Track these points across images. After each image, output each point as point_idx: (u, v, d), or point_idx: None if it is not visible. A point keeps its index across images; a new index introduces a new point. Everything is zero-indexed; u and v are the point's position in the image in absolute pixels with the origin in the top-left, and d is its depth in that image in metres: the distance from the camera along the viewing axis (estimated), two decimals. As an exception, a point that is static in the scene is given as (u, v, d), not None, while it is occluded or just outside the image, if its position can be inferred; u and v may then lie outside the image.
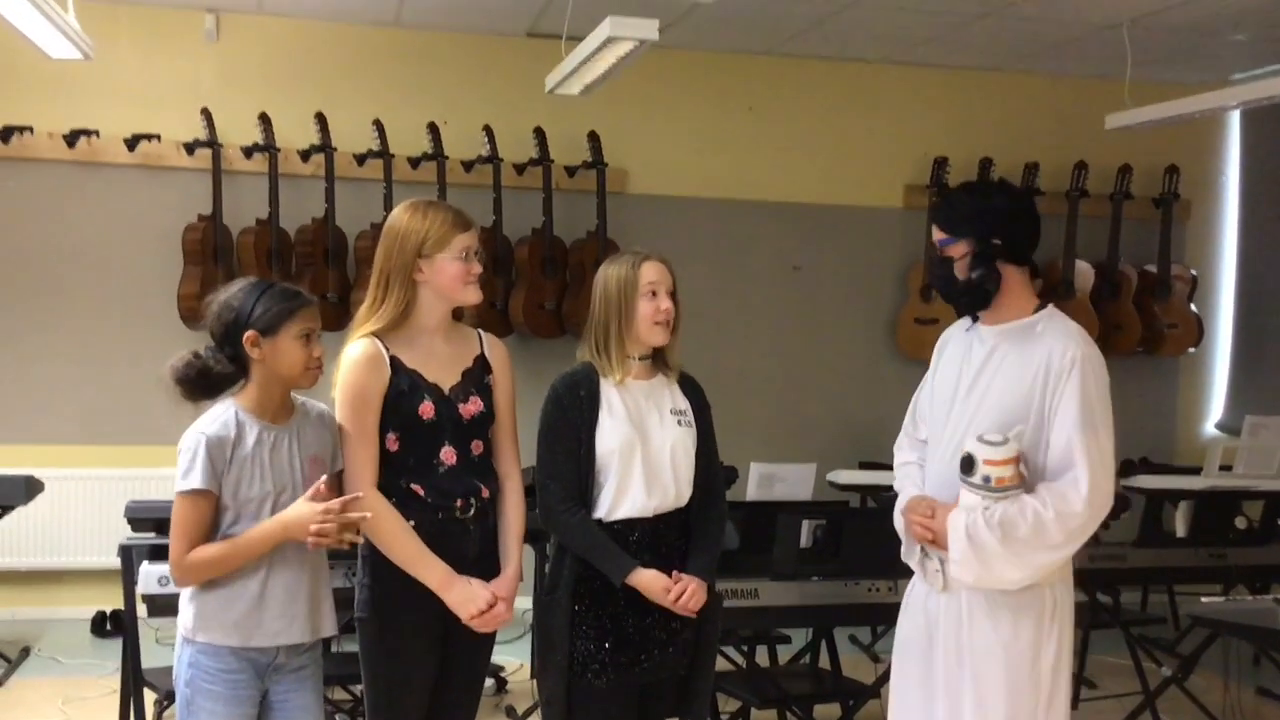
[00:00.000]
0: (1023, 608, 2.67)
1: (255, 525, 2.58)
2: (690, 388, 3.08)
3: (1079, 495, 2.57)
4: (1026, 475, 2.62)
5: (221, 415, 2.60)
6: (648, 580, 2.87)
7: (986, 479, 2.58)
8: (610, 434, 2.91)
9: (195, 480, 2.53)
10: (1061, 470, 2.61)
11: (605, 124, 6.41)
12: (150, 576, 3.47)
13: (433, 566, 2.77)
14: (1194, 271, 7.11)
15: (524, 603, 4.21)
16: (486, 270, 2.94)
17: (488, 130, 6.23)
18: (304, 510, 2.57)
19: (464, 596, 2.78)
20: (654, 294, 2.94)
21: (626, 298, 2.94)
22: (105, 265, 6.08)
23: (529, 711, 4.50)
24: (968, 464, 2.61)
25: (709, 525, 3.02)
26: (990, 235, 2.73)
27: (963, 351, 2.82)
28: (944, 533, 2.64)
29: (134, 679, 3.76)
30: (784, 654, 4.61)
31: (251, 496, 2.58)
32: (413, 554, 2.77)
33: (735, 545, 4.00)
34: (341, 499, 2.60)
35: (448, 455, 2.82)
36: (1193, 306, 7.06)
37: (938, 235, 2.80)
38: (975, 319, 2.83)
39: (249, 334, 2.59)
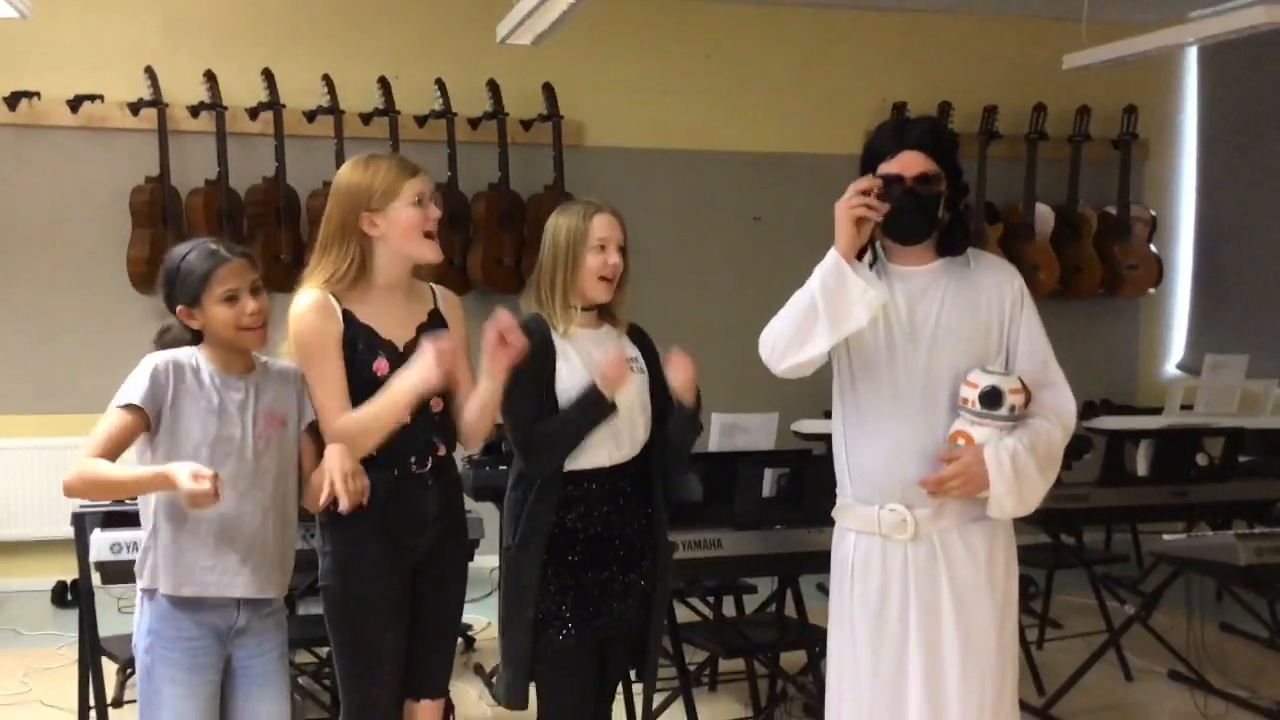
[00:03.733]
0: (994, 531, 2.71)
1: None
2: (637, 335, 3.05)
3: (1069, 409, 2.70)
4: None
5: (180, 353, 2.57)
6: (609, 361, 2.82)
7: (1013, 409, 2.61)
8: (569, 382, 2.87)
9: (134, 395, 2.48)
10: (1036, 390, 2.67)
11: (560, 76, 6.33)
12: (102, 544, 3.40)
13: (394, 389, 2.69)
14: (1153, 212, 7.12)
15: (491, 560, 4.19)
16: (443, 226, 2.87)
17: (440, 84, 6.13)
18: (184, 470, 2.43)
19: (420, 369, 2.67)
20: (602, 248, 2.89)
21: (574, 250, 2.89)
22: (52, 231, 5.96)
23: (497, 670, 4.49)
24: (994, 397, 2.60)
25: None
26: (961, 176, 2.74)
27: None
28: (981, 472, 2.60)
29: (91, 649, 3.71)
30: (750, 603, 4.61)
31: (192, 434, 2.52)
32: (386, 407, 2.69)
33: (699, 497, 3.98)
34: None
35: None
36: (1152, 247, 7.09)
37: (927, 165, 2.67)
38: (875, 256, 2.75)
39: (180, 309, 2.57)
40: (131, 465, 2.53)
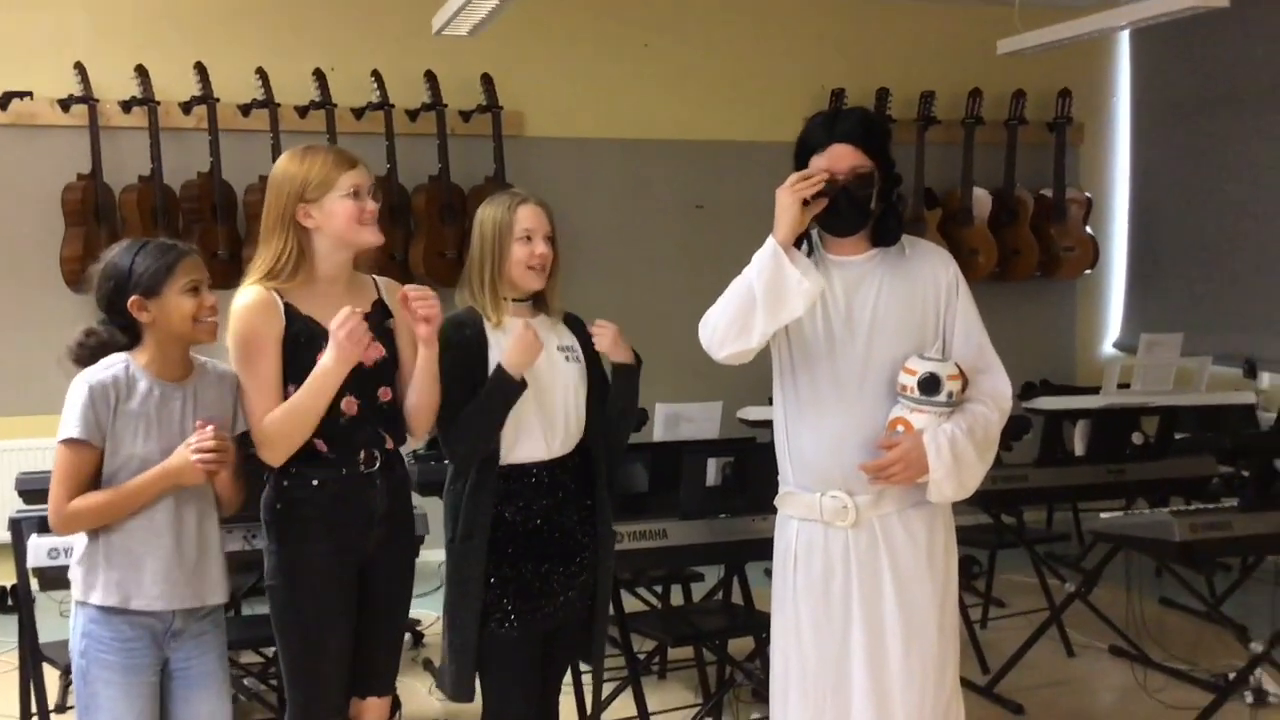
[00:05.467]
0: (934, 514, 2.75)
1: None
2: (573, 323, 3.06)
3: (1006, 393, 2.75)
4: None
5: (112, 366, 2.53)
6: (513, 340, 2.83)
7: (950, 394, 2.64)
8: None
9: (73, 429, 2.47)
10: (970, 372, 2.71)
11: (498, 66, 6.29)
12: (40, 549, 3.36)
13: (320, 369, 2.65)
14: (1088, 194, 7.21)
15: (437, 555, 4.17)
16: (384, 219, 2.85)
17: (376, 75, 6.07)
18: (182, 451, 2.51)
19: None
20: (529, 238, 2.90)
21: (501, 241, 2.90)
22: (-18, 230, 5.84)
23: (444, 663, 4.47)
24: (932, 384, 2.63)
25: None
26: (894, 166, 2.76)
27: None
28: (921, 458, 2.63)
29: (31, 655, 3.66)
30: (698, 591, 4.63)
31: (134, 453, 2.51)
32: (311, 392, 2.66)
33: (644, 487, 3.99)
34: (211, 428, 2.53)
35: (348, 405, 2.74)
36: (1088, 229, 7.18)
37: (858, 158, 2.68)
38: (810, 247, 2.77)
39: (133, 299, 2.52)
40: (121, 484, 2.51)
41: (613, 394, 3.03)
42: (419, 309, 2.73)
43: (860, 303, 2.74)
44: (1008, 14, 5.55)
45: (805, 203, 2.64)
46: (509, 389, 2.82)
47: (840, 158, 2.68)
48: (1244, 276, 6.55)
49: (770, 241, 2.65)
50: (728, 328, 2.72)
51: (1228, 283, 6.66)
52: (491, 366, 2.87)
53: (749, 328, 2.68)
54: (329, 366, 2.65)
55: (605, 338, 2.98)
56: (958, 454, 2.65)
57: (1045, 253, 7.05)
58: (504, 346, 2.88)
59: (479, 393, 2.85)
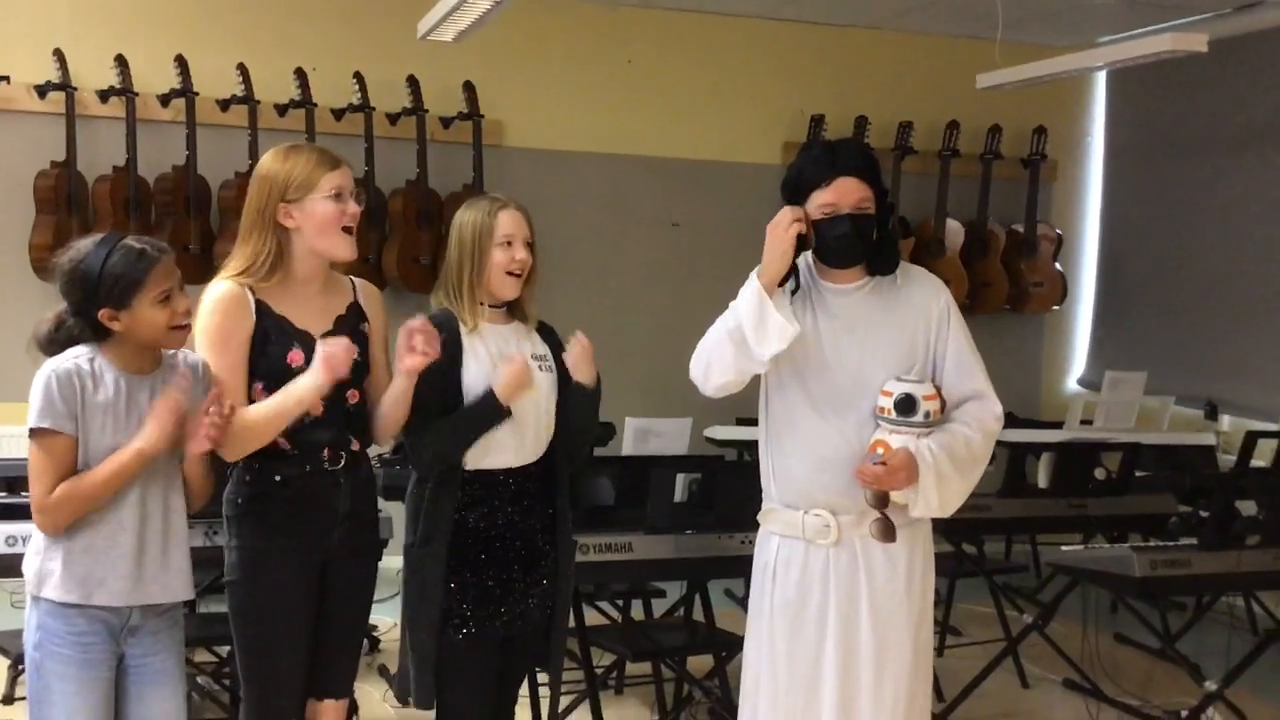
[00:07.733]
0: (914, 539, 2.77)
1: None
2: (546, 332, 3.05)
3: (994, 415, 2.76)
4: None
5: (77, 356, 2.49)
6: (511, 372, 2.81)
7: (928, 415, 2.66)
8: (475, 380, 2.86)
9: (42, 419, 2.43)
10: (960, 398, 2.74)
11: (482, 75, 6.29)
12: (-5, 536, 3.31)
13: (296, 385, 2.64)
14: (1059, 231, 7.29)
15: (398, 561, 4.15)
16: (360, 222, 2.83)
17: (358, 77, 6.06)
18: (151, 422, 2.47)
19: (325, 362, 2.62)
20: (509, 244, 2.89)
21: (480, 246, 2.89)
22: (-50, 214, 5.76)
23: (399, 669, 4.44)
24: (908, 404, 2.64)
25: None
26: (888, 195, 2.79)
27: (807, 313, 2.75)
28: (913, 462, 2.63)
29: (-19, 644, 3.61)
30: (659, 608, 4.62)
31: (102, 447, 2.47)
32: (281, 406, 2.64)
33: (610, 500, 3.99)
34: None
35: (314, 406, 2.71)
36: (1058, 265, 7.25)
37: (863, 191, 2.70)
38: (797, 283, 2.76)
39: (104, 312, 2.47)
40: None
41: (571, 411, 2.98)
42: (411, 350, 2.70)
43: (851, 329, 2.75)
44: (988, 49, 5.61)
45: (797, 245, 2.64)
46: (494, 415, 2.82)
47: (847, 191, 2.69)
48: (1209, 319, 6.64)
49: (756, 285, 2.65)
50: (715, 365, 2.74)
51: (1193, 325, 6.74)
52: (466, 371, 2.86)
53: (736, 365, 2.71)
54: (307, 386, 2.63)
55: (575, 351, 2.93)
56: (940, 473, 2.66)
57: (1015, 287, 7.11)
58: (479, 353, 2.87)
59: (449, 398, 2.84)
